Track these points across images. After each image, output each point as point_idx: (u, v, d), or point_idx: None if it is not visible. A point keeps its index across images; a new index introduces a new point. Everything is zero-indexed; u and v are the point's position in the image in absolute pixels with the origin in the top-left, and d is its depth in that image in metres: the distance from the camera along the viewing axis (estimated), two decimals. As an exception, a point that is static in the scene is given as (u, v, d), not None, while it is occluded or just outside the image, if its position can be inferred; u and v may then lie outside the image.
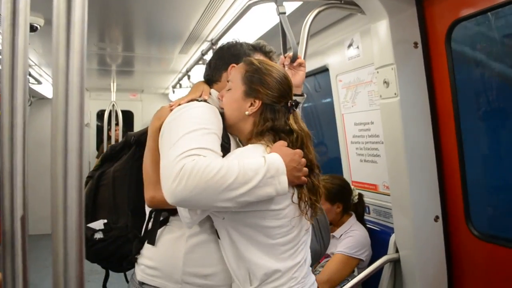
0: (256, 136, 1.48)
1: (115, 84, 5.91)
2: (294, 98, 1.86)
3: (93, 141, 7.48)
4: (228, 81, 1.58)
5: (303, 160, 1.41)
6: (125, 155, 1.77)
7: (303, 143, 1.47)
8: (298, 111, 1.90)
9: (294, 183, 1.39)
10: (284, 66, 1.89)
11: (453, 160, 2.18)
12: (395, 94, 2.14)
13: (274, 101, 1.46)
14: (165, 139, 1.40)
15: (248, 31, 2.80)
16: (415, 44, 2.17)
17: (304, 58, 2.08)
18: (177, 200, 1.23)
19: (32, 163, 6.65)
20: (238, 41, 1.79)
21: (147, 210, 1.58)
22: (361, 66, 2.69)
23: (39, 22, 2.88)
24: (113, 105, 5.74)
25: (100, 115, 7.29)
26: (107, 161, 1.82)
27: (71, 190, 0.68)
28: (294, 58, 1.86)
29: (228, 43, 1.80)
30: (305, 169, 1.41)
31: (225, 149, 1.45)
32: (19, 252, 0.75)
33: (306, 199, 1.42)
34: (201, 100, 1.53)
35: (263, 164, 1.29)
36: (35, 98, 5.72)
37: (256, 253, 1.39)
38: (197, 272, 1.48)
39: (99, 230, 1.66)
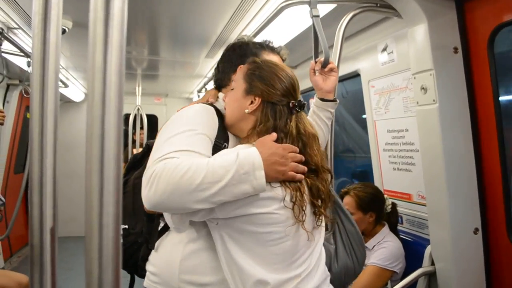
0: (254, 135, 1.41)
1: (140, 88, 5.92)
2: (323, 103, 1.82)
3: (118, 144, 7.47)
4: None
5: (292, 154, 1.32)
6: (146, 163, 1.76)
7: (306, 145, 1.39)
8: (326, 117, 1.85)
9: (279, 179, 1.29)
10: (314, 72, 1.83)
11: (494, 170, 2.08)
12: (433, 100, 2.05)
13: (275, 99, 1.39)
14: (154, 145, 1.37)
15: (278, 35, 2.74)
16: (455, 49, 2.07)
17: (338, 63, 2.01)
18: (151, 206, 1.21)
19: (59, 166, 6.79)
20: (244, 40, 1.74)
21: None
22: (395, 72, 2.59)
23: (67, 24, 2.88)
24: (138, 109, 5.74)
25: (125, 119, 7.22)
26: (131, 170, 1.80)
27: (108, 197, 0.64)
28: (325, 63, 1.80)
29: (234, 44, 1.74)
30: (299, 166, 1.33)
31: (220, 149, 1.40)
32: (47, 268, 0.68)
33: (303, 204, 1.31)
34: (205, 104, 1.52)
35: (234, 159, 1.21)
36: (62, 102, 5.78)
37: (248, 261, 1.30)
38: (193, 281, 1.40)
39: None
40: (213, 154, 1.34)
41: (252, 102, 1.41)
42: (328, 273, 1.51)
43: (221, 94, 1.66)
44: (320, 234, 1.46)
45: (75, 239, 5.55)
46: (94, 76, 0.62)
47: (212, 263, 1.39)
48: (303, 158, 1.36)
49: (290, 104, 1.40)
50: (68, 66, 4.81)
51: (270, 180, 1.27)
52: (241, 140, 1.49)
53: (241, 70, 1.51)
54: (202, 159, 1.24)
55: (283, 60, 1.74)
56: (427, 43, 2.03)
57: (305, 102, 1.44)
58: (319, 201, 1.40)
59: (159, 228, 1.52)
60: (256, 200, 1.26)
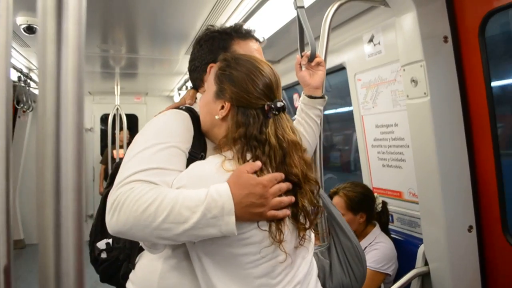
0: (225, 144, 1.25)
1: (119, 87, 5.80)
2: (311, 100, 1.69)
3: (97, 146, 7.41)
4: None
5: (276, 188, 1.16)
6: None
7: (286, 154, 1.21)
8: (315, 114, 1.72)
9: (255, 220, 1.15)
10: (300, 67, 1.71)
11: (488, 165, 2.01)
12: (424, 93, 1.96)
13: (246, 103, 1.22)
14: (123, 159, 1.26)
15: (260, 29, 2.63)
16: (445, 38, 1.98)
17: (325, 56, 1.90)
18: (113, 232, 1.12)
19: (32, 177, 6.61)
20: (211, 30, 1.54)
21: None
22: (383, 64, 2.49)
23: (36, 22, 2.73)
24: (117, 108, 5.61)
25: (104, 119, 7.19)
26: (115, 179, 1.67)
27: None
28: (312, 57, 1.67)
29: (200, 38, 1.55)
30: (284, 200, 1.18)
31: (196, 158, 1.30)
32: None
33: (281, 225, 1.18)
34: (181, 108, 1.40)
35: (202, 200, 1.09)
36: (37, 104, 5.60)
37: (226, 282, 1.17)
38: None
39: (103, 249, 1.54)
40: (188, 166, 1.23)
41: (222, 107, 1.25)
42: None
43: (199, 95, 1.52)
44: (307, 251, 1.32)
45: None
46: (45, 82, 0.50)
47: (193, 282, 1.25)
48: (290, 186, 1.20)
49: (266, 107, 1.22)
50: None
51: (244, 221, 1.14)
52: (214, 148, 1.34)
53: (213, 69, 1.35)
54: (170, 191, 1.12)
55: (260, 42, 1.59)
56: (416, 32, 1.94)
57: (284, 104, 1.26)
58: (302, 218, 1.25)
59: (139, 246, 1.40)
60: None
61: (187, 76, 4.96)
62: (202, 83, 1.50)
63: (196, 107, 1.44)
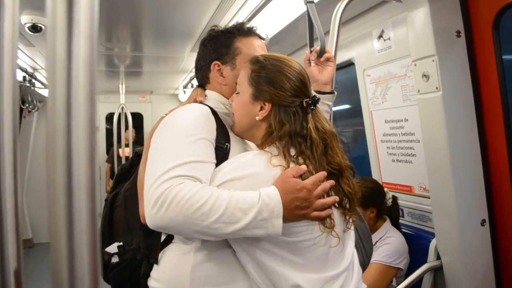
0: (270, 142, 1.29)
1: (123, 86, 5.79)
2: (320, 96, 1.68)
3: (102, 145, 7.40)
4: (236, 84, 1.41)
5: (319, 189, 1.21)
6: (134, 173, 1.63)
7: (327, 145, 1.29)
8: (323, 110, 1.72)
9: (300, 220, 1.20)
10: (309, 62, 1.71)
11: (502, 158, 2.00)
12: (436, 88, 1.95)
13: (287, 102, 1.27)
14: (150, 154, 1.27)
15: (267, 25, 2.62)
16: (458, 33, 1.97)
17: (335, 51, 1.89)
18: (156, 227, 1.15)
19: (39, 173, 6.60)
20: (214, 30, 1.59)
21: None
22: (393, 59, 2.48)
23: (44, 21, 2.72)
24: (122, 107, 5.60)
25: (109, 118, 7.19)
26: (121, 181, 1.68)
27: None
28: (322, 52, 1.66)
29: (204, 38, 1.59)
30: (328, 200, 1.23)
31: (222, 151, 1.33)
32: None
33: (331, 213, 1.24)
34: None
35: (256, 202, 1.13)
36: (42, 103, 5.59)
37: (281, 266, 1.21)
38: None
39: (114, 253, 1.53)
40: (216, 157, 1.26)
41: (262, 108, 1.30)
42: (361, 274, 1.43)
43: (209, 92, 1.54)
44: (350, 236, 1.36)
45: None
46: (55, 76, 0.48)
47: (229, 270, 1.28)
48: (333, 183, 1.26)
49: (304, 103, 1.28)
50: (48, 66, 4.61)
51: (289, 221, 1.18)
52: (257, 146, 1.38)
53: (244, 71, 1.38)
54: (222, 191, 1.14)
55: (263, 39, 1.61)
56: (428, 27, 1.92)
57: (319, 98, 1.32)
58: (347, 203, 1.31)
59: (162, 240, 1.38)
60: None
61: (192, 74, 4.98)
62: (208, 80, 1.55)
63: (209, 103, 1.46)
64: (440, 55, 1.93)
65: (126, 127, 5.79)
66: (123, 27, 3.34)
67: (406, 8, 2.02)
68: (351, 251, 1.35)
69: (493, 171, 2.04)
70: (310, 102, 1.28)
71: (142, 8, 2.80)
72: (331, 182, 1.25)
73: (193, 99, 1.51)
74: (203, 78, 1.58)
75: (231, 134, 1.39)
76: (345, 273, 1.29)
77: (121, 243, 1.55)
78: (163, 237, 1.37)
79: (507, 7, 1.84)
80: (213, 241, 1.26)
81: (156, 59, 4.56)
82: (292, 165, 1.22)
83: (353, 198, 1.31)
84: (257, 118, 1.30)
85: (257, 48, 1.54)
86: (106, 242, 1.57)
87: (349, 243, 1.34)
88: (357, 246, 1.64)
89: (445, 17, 1.95)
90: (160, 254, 1.37)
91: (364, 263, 1.72)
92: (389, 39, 2.45)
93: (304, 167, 1.21)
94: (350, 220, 1.32)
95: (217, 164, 1.27)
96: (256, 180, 1.19)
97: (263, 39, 1.61)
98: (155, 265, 1.37)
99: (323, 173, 1.23)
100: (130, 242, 1.53)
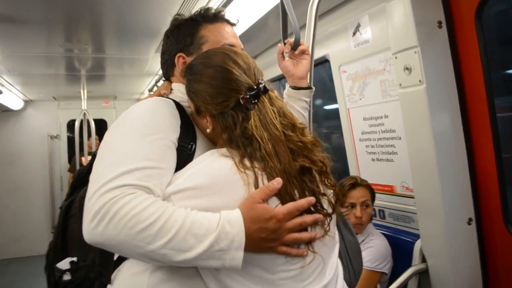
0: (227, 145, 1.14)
1: (85, 91, 5.60)
2: (295, 91, 1.54)
3: (64, 153, 7.16)
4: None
5: (292, 224, 1.03)
6: None
7: (281, 142, 1.09)
8: (301, 107, 1.58)
9: (263, 253, 1.04)
10: (283, 56, 1.58)
11: (487, 155, 1.94)
12: (419, 81, 1.87)
13: (219, 109, 1.12)
14: (97, 156, 1.10)
15: (239, 19, 2.49)
16: (439, 23, 1.90)
17: (313, 45, 1.76)
18: (94, 243, 0.97)
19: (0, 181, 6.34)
20: (179, 18, 1.42)
21: None
22: (371, 54, 2.38)
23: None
24: (84, 114, 5.39)
25: (70, 125, 6.98)
26: (78, 188, 1.47)
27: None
28: (296, 44, 1.54)
29: (168, 30, 1.43)
30: (303, 236, 1.05)
31: (186, 151, 1.16)
32: None
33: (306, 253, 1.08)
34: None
35: (214, 228, 0.96)
36: (-2, 111, 5.34)
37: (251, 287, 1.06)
38: None
39: (66, 270, 1.31)
40: (178, 158, 1.11)
41: (207, 120, 1.17)
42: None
43: (175, 85, 1.37)
44: (331, 244, 1.19)
45: (21, 261, 5.11)
46: None
47: None
48: (320, 217, 1.08)
49: (241, 101, 1.10)
50: (1, 71, 4.34)
51: (251, 252, 1.01)
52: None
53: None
54: (176, 210, 0.97)
55: (234, 25, 1.46)
56: (410, 17, 1.84)
57: (259, 88, 1.11)
58: (325, 203, 1.13)
59: (116, 257, 1.19)
60: None
61: (158, 76, 4.80)
62: (173, 73, 1.40)
63: (174, 97, 1.30)
64: (423, 46, 1.85)
65: (89, 135, 5.61)
66: (83, 27, 3.14)
67: (385, -2, 1.93)
68: (334, 263, 1.19)
69: (478, 167, 1.98)
70: (247, 97, 1.10)
71: (103, 5, 2.63)
72: (316, 216, 1.07)
73: (159, 93, 1.36)
74: (168, 72, 1.43)
75: (198, 132, 1.24)
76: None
77: (74, 259, 1.34)
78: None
79: (489, -3, 1.78)
80: None
81: (120, 61, 4.36)
82: (249, 173, 1.05)
83: (330, 199, 1.14)
84: (207, 131, 1.18)
85: (226, 35, 1.38)
86: (59, 256, 1.36)
87: (331, 255, 1.18)
88: (343, 263, 1.48)
89: (426, 7, 1.88)
90: (114, 273, 1.18)
91: (351, 282, 1.54)
92: (366, 32, 2.35)
93: (275, 186, 1.03)
94: (330, 224, 1.13)
95: (179, 168, 1.11)
96: (222, 188, 1.04)
97: (233, 24, 1.46)
98: (108, 285, 1.18)
99: (305, 201, 1.05)
100: (84, 258, 1.31)
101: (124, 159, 1.01)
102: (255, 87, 1.12)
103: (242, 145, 1.08)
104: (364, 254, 2.22)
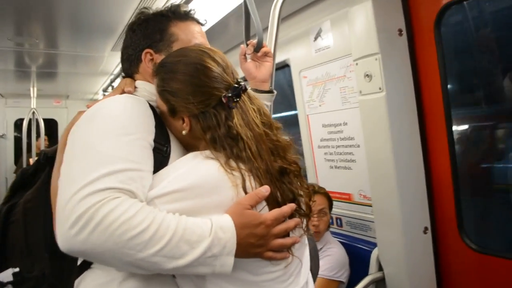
0: (208, 148, 1.09)
1: (35, 89, 5.37)
2: (263, 95, 1.48)
3: (10, 154, 6.86)
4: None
5: (278, 229, 1.03)
6: (40, 180, 1.32)
7: (263, 141, 1.08)
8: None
9: (249, 258, 1.03)
10: (245, 58, 1.53)
11: (443, 164, 1.96)
12: (379, 88, 1.87)
13: (200, 108, 1.08)
14: (66, 155, 1.02)
15: (200, 18, 2.44)
16: (400, 31, 1.91)
17: (275, 47, 1.73)
18: (72, 252, 0.90)
19: None
20: (147, 12, 1.34)
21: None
22: (332, 59, 2.37)
23: None
24: (33, 112, 5.17)
25: (18, 124, 6.67)
26: (20, 190, 1.34)
27: None
28: (259, 46, 1.48)
29: (133, 22, 1.35)
30: (287, 241, 1.06)
31: (161, 154, 1.10)
32: None
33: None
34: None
35: (207, 234, 0.93)
36: None
37: None
38: None
39: (8, 283, 1.21)
40: (154, 161, 1.04)
41: (184, 122, 1.11)
42: None
43: (139, 83, 1.28)
44: (305, 246, 1.20)
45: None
46: None
47: None
48: (299, 222, 1.08)
49: (223, 99, 1.07)
50: None
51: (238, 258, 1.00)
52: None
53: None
54: (167, 215, 0.93)
55: (202, 25, 1.40)
56: (371, 24, 1.84)
57: (239, 86, 1.09)
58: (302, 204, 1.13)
59: (78, 263, 1.10)
60: None
61: (113, 76, 4.64)
62: (138, 69, 1.30)
63: (141, 96, 1.22)
64: (383, 53, 1.86)
65: (38, 135, 5.43)
66: (35, 19, 2.98)
67: (347, 3, 1.94)
68: (307, 264, 1.20)
69: (434, 176, 2.00)
70: (230, 95, 1.07)
71: (57, -1, 2.50)
72: (297, 220, 1.08)
73: (121, 90, 1.25)
74: (131, 68, 1.33)
75: (171, 134, 1.16)
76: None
77: (17, 269, 1.23)
78: (79, 261, 1.09)
79: (448, 6, 1.81)
80: None
81: (73, 58, 4.17)
82: (236, 174, 1.02)
83: (307, 201, 1.14)
84: (183, 133, 1.12)
85: (196, 34, 1.32)
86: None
87: (304, 255, 1.18)
88: None
89: (388, 14, 1.89)
90: (75, 283, 1.09)
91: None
92: (327, 37, 2.34)
93: (264, 193, 1.02)
94: (308, 225, 1.14)
95: (155, 171, 1.04)
96: (212, 191, 1.00)
97: (202, 24, 1.39)
98: None
99: (290, 207, 1.05)
100: (30, 268, 1.21)
101: (103, 159, 0.93)
102: (236, 85, 1.09)
103: (228, 145, 1.05)
104: (322, 262, 2.21)
